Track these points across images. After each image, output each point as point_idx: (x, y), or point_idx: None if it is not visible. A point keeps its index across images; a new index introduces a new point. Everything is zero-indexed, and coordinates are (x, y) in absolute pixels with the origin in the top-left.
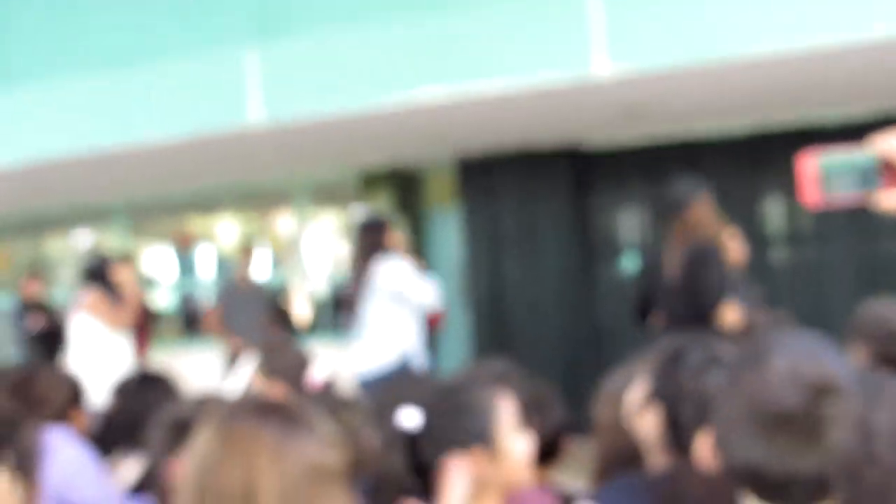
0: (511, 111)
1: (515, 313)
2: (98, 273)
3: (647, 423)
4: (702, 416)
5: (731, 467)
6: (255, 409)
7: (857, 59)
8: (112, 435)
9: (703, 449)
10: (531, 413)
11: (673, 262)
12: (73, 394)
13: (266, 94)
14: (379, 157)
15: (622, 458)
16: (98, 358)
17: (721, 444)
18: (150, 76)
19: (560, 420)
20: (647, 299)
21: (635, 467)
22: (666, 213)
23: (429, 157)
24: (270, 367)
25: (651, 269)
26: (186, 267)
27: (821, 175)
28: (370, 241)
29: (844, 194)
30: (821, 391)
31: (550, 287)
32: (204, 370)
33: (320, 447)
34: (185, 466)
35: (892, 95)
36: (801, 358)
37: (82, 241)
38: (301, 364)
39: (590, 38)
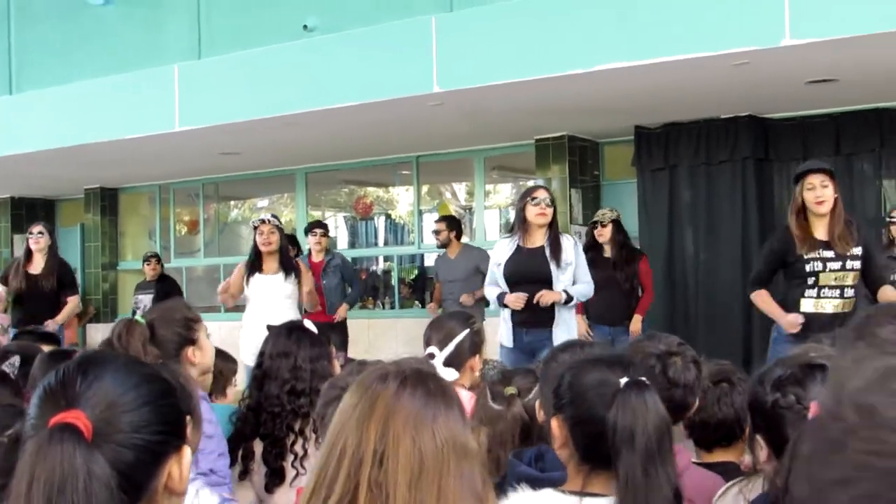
0: (693, 82)
1: (691, 288)
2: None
3: None
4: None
5: None
6: (402, 376)
7: None
8: None
9: None
10: None
11: None
12: None
13: (445, 63)
14: (556, 128)
15: None
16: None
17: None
18: (339, 44)
19: None
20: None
21: None
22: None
23: (606, 128)
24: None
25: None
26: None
27: None
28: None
29: None
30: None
31: (728, 262)
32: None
33: (459, 423)
34: (332, 423)
35: None
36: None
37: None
38: None
39: (779, 10)
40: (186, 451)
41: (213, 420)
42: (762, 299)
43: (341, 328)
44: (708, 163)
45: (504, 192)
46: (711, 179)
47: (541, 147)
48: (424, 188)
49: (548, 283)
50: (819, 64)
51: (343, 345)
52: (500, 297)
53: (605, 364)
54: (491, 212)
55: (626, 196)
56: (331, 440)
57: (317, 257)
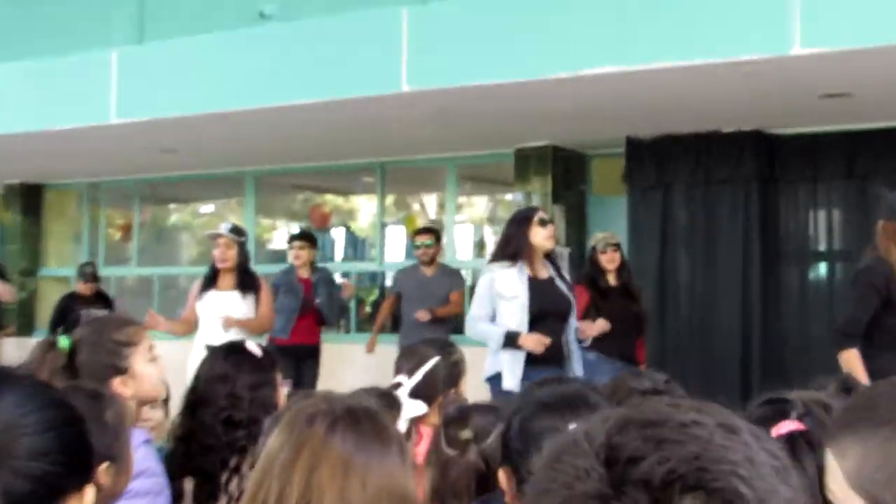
0: (693, 92)
1: (684, 320)
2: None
3: None
4: None
5: None
6: (331, 417)
7: None
8: None
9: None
10: None
11: None
12: None
13: (416, 59)
14: (538, 137)
15: None
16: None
17: None
18: (299, 34)
19: None
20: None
21: None
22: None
23: (594, 138)
24: None
25: (884, 283)
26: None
27: None
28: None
29: None
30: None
31: (727, 291)
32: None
33: (396, 468)
34: (256, 467)
35: None
36: None
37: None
38: None
39: (788, 16)
40: (89, 491)
41: (159, 473)
42: (855, 363)
43: (316, 358)
44: (707, 181)
45: (479, 206)
46: (710, 200)
47: (521, 157)
48: (390, 198)
49: (567, 320)
50: (832, 76)
51: (314, 377)
52: (510, 338)
53: (554, 409)
54: (463, 227)
55: (614, 215)
56: (253, 487)
57: (303, 273)
